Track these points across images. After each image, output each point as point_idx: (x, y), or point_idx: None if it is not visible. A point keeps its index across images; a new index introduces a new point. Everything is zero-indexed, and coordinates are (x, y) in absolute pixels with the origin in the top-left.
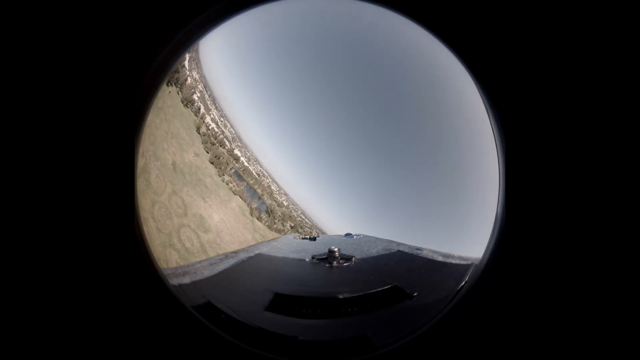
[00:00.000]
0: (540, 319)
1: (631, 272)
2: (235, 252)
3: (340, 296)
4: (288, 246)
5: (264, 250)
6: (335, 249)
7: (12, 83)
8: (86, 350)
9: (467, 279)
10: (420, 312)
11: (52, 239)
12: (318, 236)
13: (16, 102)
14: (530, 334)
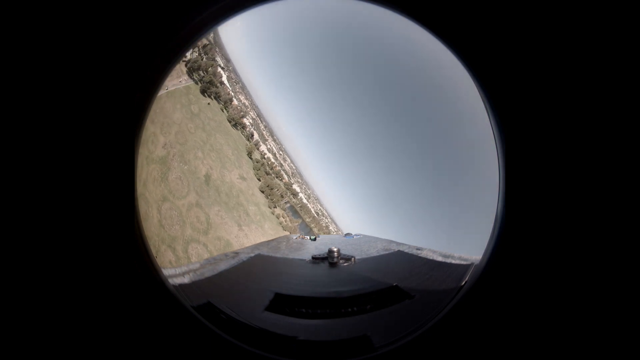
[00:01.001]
0: (539, 319)
1: (631, 271)
2: (236, 252)
3: (340, 296)
4: (288, 246)
5: (264, 250)
6: (335, 249)
7: (12, 82)
8: (86, 350)
9: (467, 279)
10: (420, 312)
11: (52, 238)
12: (318, 236)
13: (16, 102)
14: (530, 334)
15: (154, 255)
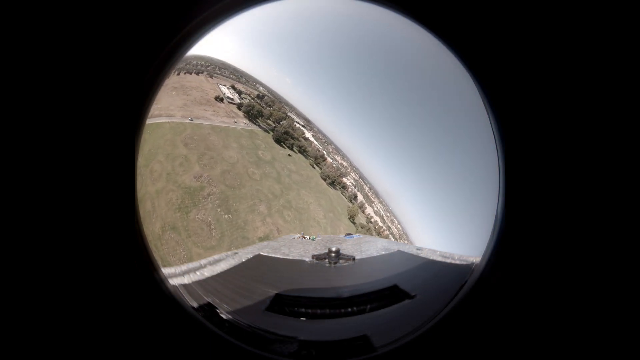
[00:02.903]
0: (539, 319)
1: (631, 271)
2: (236, 252)
3: (340, 296)
4: (288, 246)
5: (264, 250)
6: (335, 249)
7: (11, 81)
8: (85, 350)
9: (467, 279)
10: (420, 312)
11: (51, 238)
12: (318, 236)
13: (15, 101)
14: (530, 334)
15: (154, 254)
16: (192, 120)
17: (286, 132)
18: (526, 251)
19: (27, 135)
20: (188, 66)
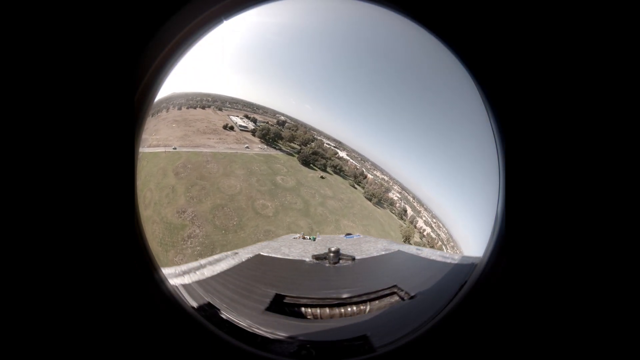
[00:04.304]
0: (540, 319)
1: (631, 271)
2: (236, 253)
3: (340, 296)
4: (288, 246)
5: (264, 250)
6: (335, 249)
7: (9, 80)
8: (85, 350)
9: (467, 279)
10: (420, 312)
11: (50, 238)
12: (318, 236)
13: (14, 100)
14: (530, 334)
15: (154, 254)
16: (175, 148)
17: (315, 153)
18: (526, 251)
19: (27, 135)
20: (191, 102)
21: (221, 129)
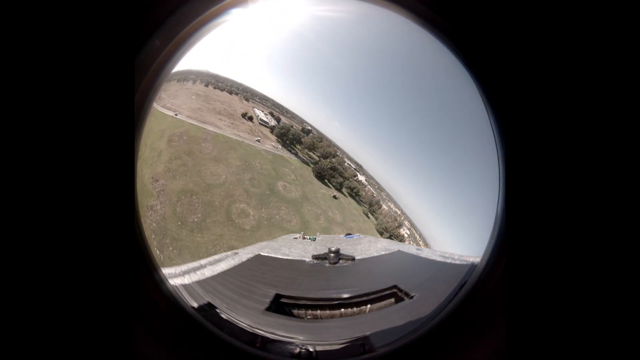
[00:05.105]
0: (540, 319)
1: (632, 271)
2: (236, 253)
3: (340, 296)
4: (288, 246)
5: (264, 250)
6: (335, 249)
7: (8, 79)
8: (85, 350)
9: (467, 279)
10: (420, 312)
11: (49, 238)
12: (318, 236)
13: (12, 98)
14: (530, 334)
15: (154, 254)
16: (176, 115)
17: (334, 168)
18: (526, 251)
19: (24, 135)
20: (220, 84)
21: (239, 115)
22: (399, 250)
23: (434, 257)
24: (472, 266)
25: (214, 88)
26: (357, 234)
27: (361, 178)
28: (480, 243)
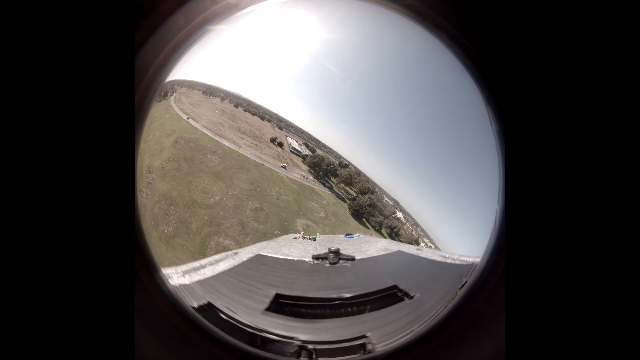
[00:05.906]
0: (539, 319)
1: (632, 271)
2: (236, 253)
3: (340, 296)
4: (288, 246)
5: (264, 250)
6: (335, 249)
7: (7, 79)
8: (84, 350)
9: (467, 279)
10: (420, 312)
11: (49, 238)
12: (318, 236)
13: (11, 98)
14: (530, 334)
15: (154, 254)
16: (188, 119)
17: (373, 205)
18: (526, 251)
19: (24, 135)
20: (252, 108)
21: (267, 139)
22: (399, 250)
23: (434, 257)
24: (472, 266)
25: (244, 110)
26: (358, 234)
27: (399, 215)
28: (480, 243)
